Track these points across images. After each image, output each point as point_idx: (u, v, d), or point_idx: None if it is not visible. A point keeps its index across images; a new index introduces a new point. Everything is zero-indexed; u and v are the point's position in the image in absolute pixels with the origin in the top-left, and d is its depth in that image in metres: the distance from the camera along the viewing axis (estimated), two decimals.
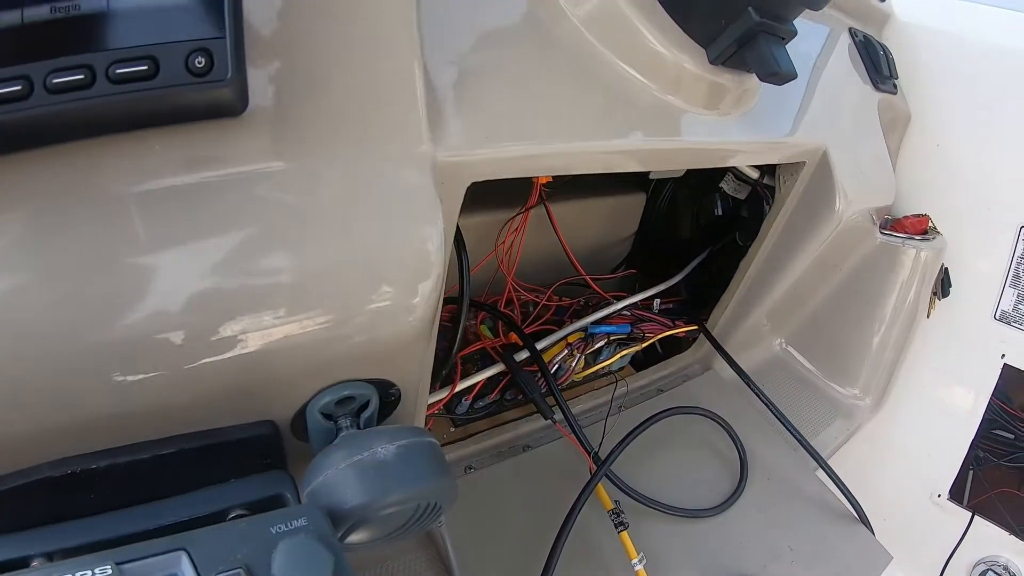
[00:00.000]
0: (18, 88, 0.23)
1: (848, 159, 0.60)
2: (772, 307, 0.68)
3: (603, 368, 0.61)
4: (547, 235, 0.58)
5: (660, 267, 0.70)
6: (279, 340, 0.28)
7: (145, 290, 0.25)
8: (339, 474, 0.29)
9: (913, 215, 0.76)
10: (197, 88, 0.25)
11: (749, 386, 0.64)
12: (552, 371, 0.56)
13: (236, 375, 0.28)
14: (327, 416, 0.32)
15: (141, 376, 0.26)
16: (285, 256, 0.27)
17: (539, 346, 0.55)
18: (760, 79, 0.43)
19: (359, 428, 0.33)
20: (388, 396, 0.34)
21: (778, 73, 0.42)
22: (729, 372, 0.67)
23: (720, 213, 0.67)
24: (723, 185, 0.65)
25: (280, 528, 0.26)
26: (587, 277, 0.60)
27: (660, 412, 0.57)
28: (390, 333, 0.30)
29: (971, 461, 0.86)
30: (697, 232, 0.74)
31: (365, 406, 0.33)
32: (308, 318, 0.28)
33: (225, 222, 0.26)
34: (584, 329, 0.59)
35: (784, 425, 0.65)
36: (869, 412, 0.81)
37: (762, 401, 0.64)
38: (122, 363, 0.25)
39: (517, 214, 0.55)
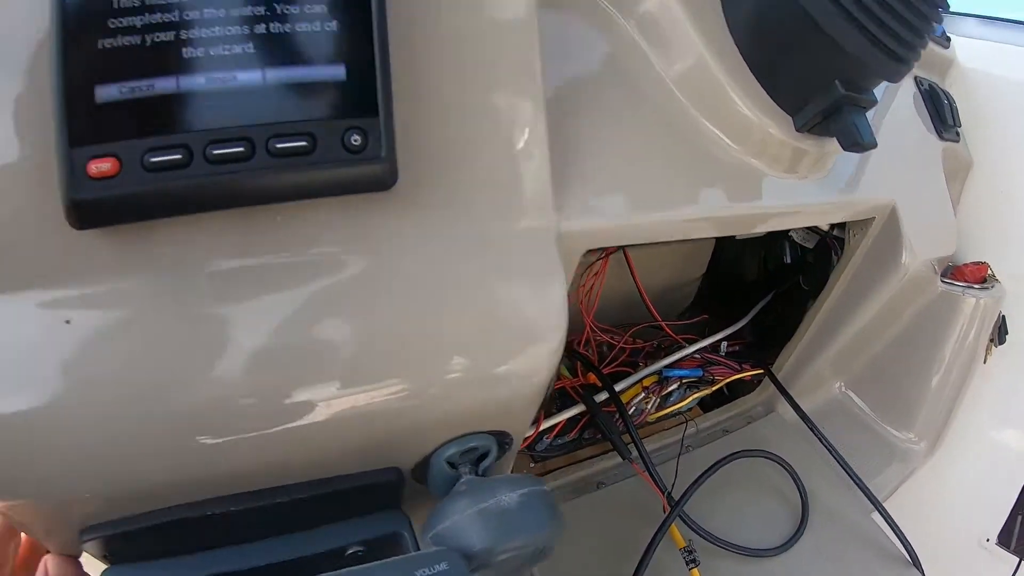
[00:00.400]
0: (178, 157, 0.25)
1: (915, 213, 0.62)
2: (835, 353, 0.70)
3: (675, 410, 0.64)
4: (622, 278, 0.61)
5: (725, 308, 0.72)
6: (424, 398, 0.31)
7: (307, 348, 0.28)
8: (465, 520, 0.32)
9: (972, 263, 0.77)
10: (353, 165, 0.27)
11: (812, 430, 0.66)
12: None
13: (380, 429, 0.31)
14: (451, 464, 0.35)
15: (293, 427, 0.29)
16: (430, 320, 0.31)
17: (617, 387, 0.58)
18: (843, 149, 0.46)
19: (478, 475, 0.36)
20: (503, 445, 0.37)
21: (861, 144, 0.44)
22: (791, 414, 0.69)
23: (789, 261, 0.69)
24: (792, 234, 0.67)
25: (424, 572, 0.29)
26: (663, 323, 0.62)
27: (729, 455, 0.59)
28: (518, 391, 0.34)
29: (1021, 506, 0.86)
30: (763, 275, 0.76)
31: (485, 455, 0.36)
32: (449, 378, 0.31)
33: (376, 288, 0.29)
34: (659, 372, 0.61)
35: (843, 468, 0.67)
36: (924, 456, 0.82)
37: (824, 445, 0.66)
38: (277, 417, 0.28)
39: (598, 259, 0.58)
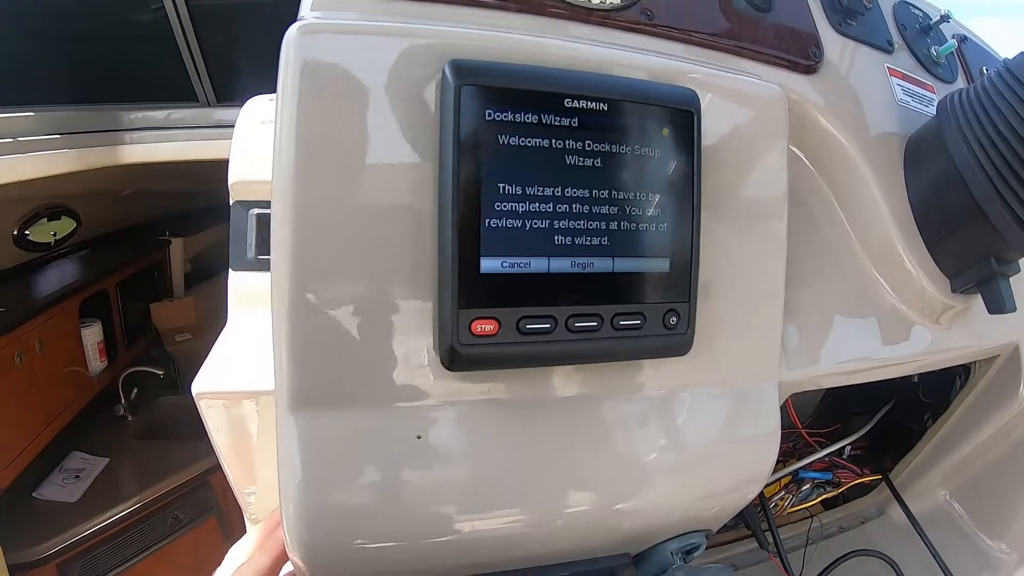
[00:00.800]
0: (546, 326, 0.33)
1: None
2: (947, 466, 0.77)
3: (804, 508, 0.72)
4: None
5: (846, 413, 0.80)
6: (678, 510, 0.41)
7: (619, 469, 0.38)
8: None
9: None
10: (668, 337, 0.36)
11: (921, 537, 0.73)
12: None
13: (639, 527, 0.41)
14: (671, 553, 0.45)
15: (591, 528, 0.39)
16: (696, 450, 0.40)
17: None
18: (989, 312, 0.54)
19: (684, 562, 0.45)
20: (707, 537, 0.46)
21: (1005, 310, 0.53)
22: (900, 516, 0.76)
23: (915, 380, 0.76)
24: None
25: None
26: (802, 430, 0.70)
27: (849, 553, 0.67)
28: (736, 506, 0.43)
29: None
30: (885, 384, 0.83)
31: (695, 548, 0.46)
32: (690, 497, 0.41)
33: (667, 429, 0.39)
34: (795, 472, 0.69)
35: (945, 573, 0.73)
36: (1014, 567, 0.87)
37: (930, 551, 0.73)
38: (591, 519, 0.38)
39: None
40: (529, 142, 0.32)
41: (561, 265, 0.33)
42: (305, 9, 0.36)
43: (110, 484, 1.66)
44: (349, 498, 0.34)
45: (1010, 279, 0.54)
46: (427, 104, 0.33)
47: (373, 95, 0.33)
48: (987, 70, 0.72)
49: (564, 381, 0.37)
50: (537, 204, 0.33)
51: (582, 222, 0.33)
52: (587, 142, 0.33)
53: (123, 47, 1.55)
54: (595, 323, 0.34)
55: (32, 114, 1.39)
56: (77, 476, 1.67)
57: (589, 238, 0.34)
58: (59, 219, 1.71)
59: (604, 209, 0.34)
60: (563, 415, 0.37)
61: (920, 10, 0.67)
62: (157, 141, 1.52)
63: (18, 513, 1.53)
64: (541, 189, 0.33)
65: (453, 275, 0.32)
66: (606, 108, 0.34)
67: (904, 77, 0.60)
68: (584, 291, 0.34)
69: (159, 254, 2.19)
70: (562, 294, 0.33)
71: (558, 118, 0.33)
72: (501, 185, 0.32)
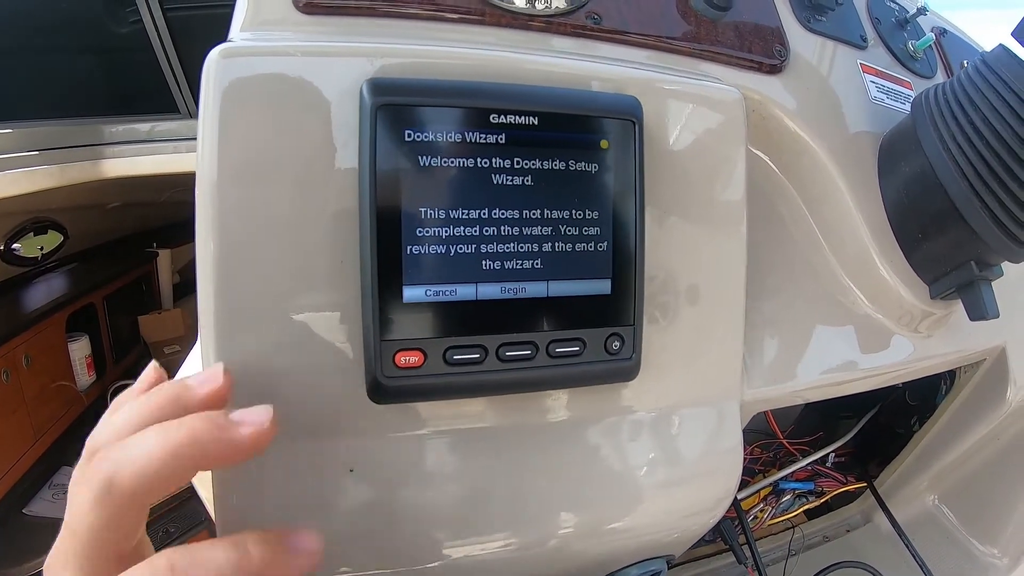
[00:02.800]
0: (476, 356, 0.31)
1: (1021, 351, 0.67)
2: (935, 471, 0.75)
3: (785, 519, 0.69)
4: None
5: (831, 419, 0.78)
6: (635, 534, 0.39)
7: (565, 495, 0.36)
8: None
9: None
10: (611, 363, 0.34)
11: (907, 547, 0.70)
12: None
13: (597, 553, 0.39)
14: None
15: (549, 553, 0.37)
16: (651, 475, 0.38)
17: (738, 496, 0.64)
18: (970, 319, 0.51)
19: None
20: (669, 563, 0.44)
21: (987, 316, 0.50)
22: (887, 525, 0.73)
23: (900, 385, 0.74)
24: None
25: None
26: (784, 441, 0.68)
27: (833, 565, 0.64)
28: (697, 532, 0.41)
29: None
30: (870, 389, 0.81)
31: (657, 573, 0.43)
32: (646, 523, 0.39)
33: (616, 455, 0.37)
34: (775, 484, 0.67)
35: None
36: (1005, 572, 0.85)
37: (916, 561, 0.70)
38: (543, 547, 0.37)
39: None
40: (452, 162, 0.30)
41: (490, 291, 0.31)
42: (235, 30, 0.34)
43: None
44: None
45: (992, 283, 0.52)
46: (350, 126, 0.31)
47: (293, 118, 0.31)
48: (967, 63, 0.69)
49: (502, 410, 0.35)
50: (463, 228, 0.31)
51: (512, 245, 0.31)
52: (516, 159, 0.31)
53: (102, 60, 1.54)
54: (528, 351, 0.33)
55: (11, 131, 1.38)
56: (67, 492, 1.65)
57: (520, 261, 0.32)
58: (45, 233, 1.70)
59: (536, 230, 0.32)
60: (503, 444, 0.36)
61: (896, 3, 0.65)
62: (139, 155, 1.50)
63: (8, 530, 1.52)
64: (467, 212, 0.31)
65: (375, 305, 0.30)
66: (536, 122, 0.32)
67: (878, 74, 0.58)
68: (516, 318, 0.32)
69: (146, 266, 2.17)
70: (492, 322, 0.32)
71: (483, 135, 0.31)
72: (423, 209, 0.30)
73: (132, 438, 0.25)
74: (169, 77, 1.52)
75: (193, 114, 1.57)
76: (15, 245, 1.61)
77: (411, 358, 0.30)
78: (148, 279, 2.18)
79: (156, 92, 1.54)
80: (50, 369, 1.71)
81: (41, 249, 1.70)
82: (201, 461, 0.24)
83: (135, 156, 1.49)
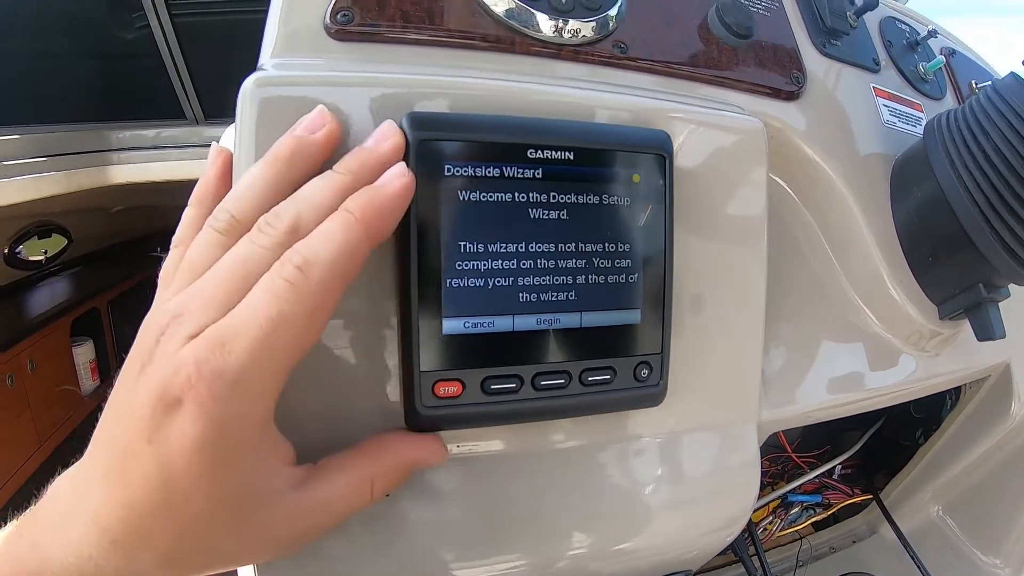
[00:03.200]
0: (512, 385, 0.32)
1: None
2: (940, 484, 0.76)
3: (794, 531, 0.71)
4: None
5: (836, 432, 0.79)
6: (656, 552, 0.40)
7: (590, 515, 0.37)
8: None
9: None
10: (640, 390, 0.36)
11: (912, 558, 0.72)
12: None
13: (619, 574, 0.40)
14: None
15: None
16: (674, 495, 0.39)
17: None
18: (978, 339, 0.53)
19: None
20: None
21: (994, 337, 0.51)
22: (892, 536, 0.75)
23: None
24: None
25: None
26: (792, 454, 0.69)
27: None
28: (716, 547, 0.42)
29: None
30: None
31: None
32: (664, 542, 0.40)
33: (639, 476, 0.38)
34: (784, 496, 0.68)
35: None
36: None
37: (922, 572, 0.72)
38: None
39: None
40: (491, 197, 0.31)
41: (526, 323, 0.32)
42: (265, 57, 0.35)
43: None
44: (318, 558, 0.32)
45: (999, 304, 0.54)
46: None
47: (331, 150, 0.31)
48: (975, 84, 0.71)
49: (534, 435, 0.36)
50: (500, 261, 0.31)
51: (548, 278, 0.32)
52: (552, 194, 0.32)
53: (108, 66, 1.54)
54: (562, 380, 0.33)
55: (17, 136, 1.38)
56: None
57: (555, 294, 0.33)
58: (49, 237, 1.70)
59: (571, 263, 0.33)
60: (533, 468, 0.36)
61: (907, 25, 0.66)
62: (146, 161, 1.50)
63: None
64: (504, 245, 0.31)
65: (415, 337, 0.30)
66: (572, 157, 0.33)
67: (891, 97, 0.59)
68: (551, 348, 0.33)
69: (151, 270, 2.17)
70: (528, 352, 0.32)
71: (521, 170, 0.32)
72: (462, 243, 0.31)
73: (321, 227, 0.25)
74: (176, 83, 1.53)
75: (200, 120, 1.57)
76: (19, 249, 1.61)
77: (450, 388, 0.31)
78: (152, 283, 2.18)
79: (163, 98, 1.54)
80: (54, 374, 1.71)
81: (45, 253, 1.70)
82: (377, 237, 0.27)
83: (141, 163, 1.50)
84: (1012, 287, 0.54)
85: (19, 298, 1.70)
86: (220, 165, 0.32)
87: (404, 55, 0.37)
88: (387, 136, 0.29)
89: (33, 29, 1.44)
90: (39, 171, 1.38)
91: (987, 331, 0.51)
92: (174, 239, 0.31)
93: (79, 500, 0.25)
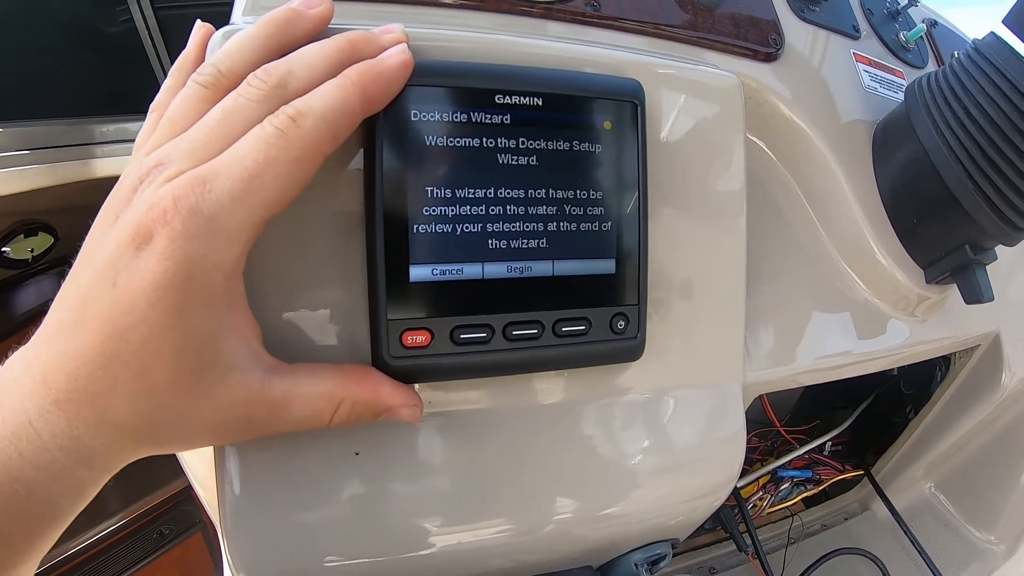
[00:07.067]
0: (483, 335, 0.31)
1: (1015, 336, 0.68)
2: (931, 459, 0.75)
3: (784, 508, 0.70)
4: None
5: (827, 407, 0.78)
6: (637, 519, 0.39)
7: (567, 478, 0.36)
8: None
9: None
10: (616, 343, 0.34)
11: (906, 533, 0.71)
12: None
13: (598, 539, 0.39)
14: (636, 565, 0.43)
15: (546, 537, 0.37)
16: (654, 458, 0.38)
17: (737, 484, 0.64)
18: (966, 303, 0.52)
19: (650, 573, 0.43)
20: (674, 547, 0.45)
21: (982, 299, 0.51)
22: (884, 512, 0.74)
23: (896, 372, 0.74)
24: None
25: None
26: (781, 429, 0.69)
27: (832, 552, 0.65)
28: (701, 514, 0.41)
29: None
30: (866, 377, 0.82)
31: (661, 557, 0.44)
32: (651, 507, 0.39)
33: (622, 437, 0.37)
34: (773, 472, 0.68)
35: (930, 568, 0.71)
36: (1002, 558, 0.85)
37: (915, 548, 0.71)
38: (540, 532, 0.37)
39: None
40: (458, 142, 0.30)
41: (496, 270, 0.31)
42: (236, 15, 0.34)
43: (93, 501, 1.62)
44: (288, 517, 0.31)
45: (987, 267, 0.53)
46: None
47: None
48: (958, 54, 0.70)
49: (509, 390, 0.35)
50: (469, 207, 0.30)
51: (518, 224, 0.31)
52: (521, 139, 0.31)
53: (92, 60, 1.53)
54: (535, 331, 0.32)
55: (1, 130, 1.36)
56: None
57: (526, 241, 0.32)
58: (36, 235, 1.68)
59: (542, 209, 0.32)
60: (509, 425, 0.35)
61: None
62: (130, 154, 1.49)
63: None
64: (472, 191, 0.31)
65: (381, 284, 0.30)
66: (541, 103, 0.32)
67: (871, 63, 0.59)
68: (522, 297, 0.32)
69: None
70: (498, 301, 0.31)
71: (489, 116, 0.31)
72: (429, 188, 0.30)
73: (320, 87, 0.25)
74: (160, 76, 1.51)
75: None
76: (4, 248, 1.59)
77: (418, 337, 0.30)
78: None
79: (147, 91, 1.52)
80: None
81: (31, 251, 1.68)
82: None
83: (126, 155, 1.48)
84: (1000, 255, 0.53)
85: (4, 297, 1.68)
86: (201, 37, 0.30)
87: (373, 12, 0.37)
88: (392, 30, 0.29)
89: (15, 23, 1.42)
90: (23, 164, 1.36)
91: (975, 293, 0.51)
92: (152, 105, 0.29)
93: (30, 362, 0.23)
